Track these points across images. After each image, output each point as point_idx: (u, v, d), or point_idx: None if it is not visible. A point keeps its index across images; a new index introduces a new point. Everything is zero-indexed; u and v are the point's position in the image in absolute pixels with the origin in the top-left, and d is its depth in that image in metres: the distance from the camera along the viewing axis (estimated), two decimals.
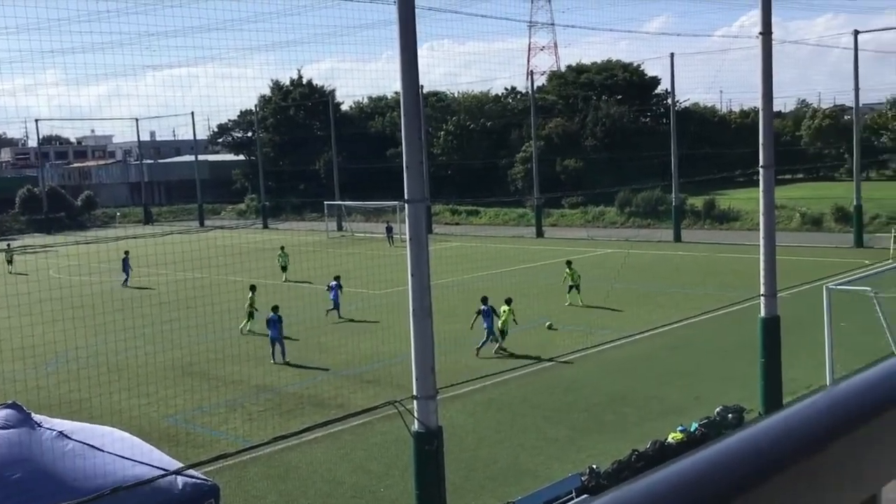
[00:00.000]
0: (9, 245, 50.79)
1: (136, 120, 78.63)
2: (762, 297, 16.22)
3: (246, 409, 19.09)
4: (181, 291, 30.10)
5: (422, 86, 23.35)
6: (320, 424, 13.63)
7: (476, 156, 67.02)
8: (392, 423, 14.73)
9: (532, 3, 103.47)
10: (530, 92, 60.54)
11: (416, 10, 11.16)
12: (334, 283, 28.48)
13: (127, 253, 37.82)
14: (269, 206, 70.52)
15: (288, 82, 78.69)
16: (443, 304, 22.25)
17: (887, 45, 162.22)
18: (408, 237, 11.32)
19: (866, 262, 32.57)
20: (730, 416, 15.58)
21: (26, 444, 9.54)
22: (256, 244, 49.28)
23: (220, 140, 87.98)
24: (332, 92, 74.47)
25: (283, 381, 21.21)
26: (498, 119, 70.47)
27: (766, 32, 15.97)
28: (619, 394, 18.76)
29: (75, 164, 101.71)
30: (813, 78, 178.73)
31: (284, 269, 37.60)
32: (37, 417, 10.26)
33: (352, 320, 28.05)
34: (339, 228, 61.74)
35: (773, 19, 16.12)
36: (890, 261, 30.55)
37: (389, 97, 75.45)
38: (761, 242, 16.22)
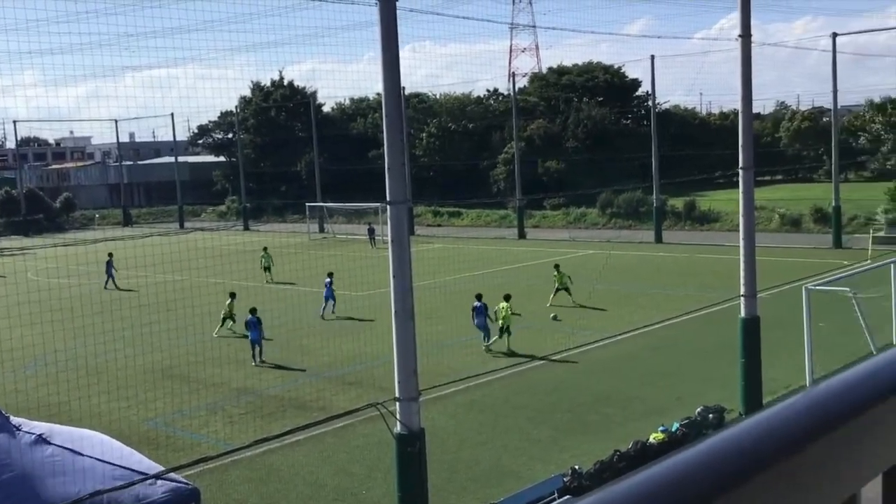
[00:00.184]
0: None
1: (116, 121, 78.02)
2: (742, 298, 16.35)
3: (227, 411, 18.99)
4: (161, 294, 29.88)
5: (404, 87, 23.37)
6: (302, 427, 13.59)
7: (458, 157, 67.06)
8: (374, 426, 14.69)
9: (514, 5, 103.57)
10: (512, 94, 60.64)
11: (398, 12, 11.18)
12: (328, 280, 29.00)
13: (111, 255, 37.61)
14: (250, 207, 70.20)
15: (269, 83, 78.41)
16: (425, 306, 22.22)
17: (865, 47, 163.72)
18: (390, 239, 11.33)
19: (845, 262, 32.85)
20: (710, 416, 15.69)
21: (4, 448, 9.44)
22: (237, 246, 49.01)
23: (201, 141, 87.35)
24: (314, 93, 74.36)
25: (264, 383, 21.13)
26: (480, 121, 70.54)
27: (746, 35, 16.11)
28: (602, 394, 18.83)
29: (54, 166, 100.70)
30: (792, 80, 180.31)
31: (268, 269, 37.49)
32: (15, 421, 10.16)
33: (337, 318, 28.19)
34: (321, 230, 61.48)
35: (753, 22, 16.29)
36: (868, 261, 30.82)
37: (371, 98, 75.26)
38: (741, 243, 16.33)
